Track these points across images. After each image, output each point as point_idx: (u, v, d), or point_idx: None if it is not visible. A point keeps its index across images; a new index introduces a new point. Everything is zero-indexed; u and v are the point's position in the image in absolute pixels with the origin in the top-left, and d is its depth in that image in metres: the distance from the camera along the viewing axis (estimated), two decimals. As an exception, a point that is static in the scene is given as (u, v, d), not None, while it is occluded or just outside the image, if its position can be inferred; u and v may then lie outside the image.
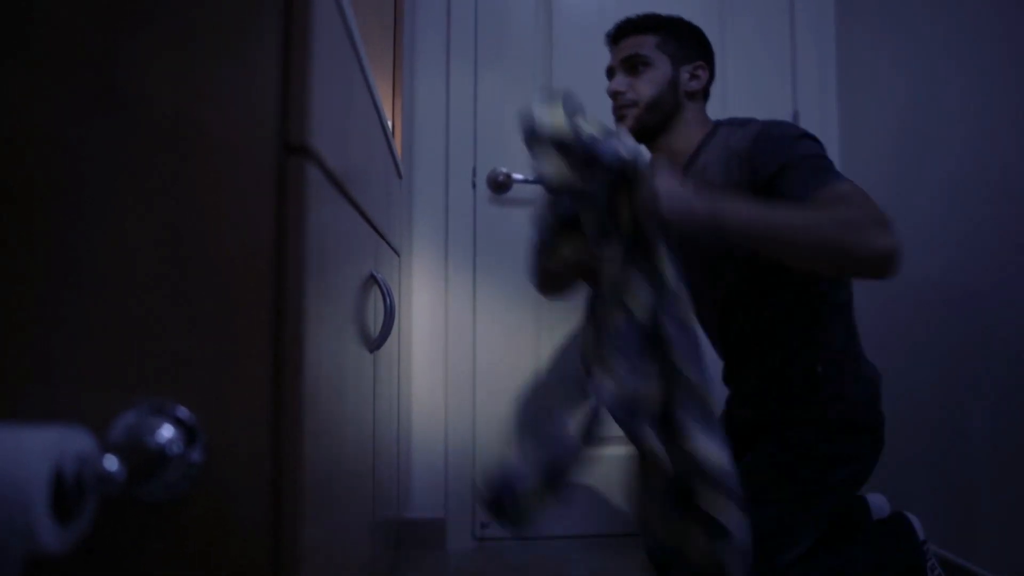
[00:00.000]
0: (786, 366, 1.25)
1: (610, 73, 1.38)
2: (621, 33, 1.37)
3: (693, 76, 1.33)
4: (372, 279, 0.88)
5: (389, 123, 1.66)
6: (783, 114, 1.99)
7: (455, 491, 1.81)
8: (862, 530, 1.35)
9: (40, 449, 0.37)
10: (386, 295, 0.89)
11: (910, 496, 1.62)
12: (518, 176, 1.83)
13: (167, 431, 0.46)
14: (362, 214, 0.81)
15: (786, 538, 1.15)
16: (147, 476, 0.43)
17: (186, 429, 0.47)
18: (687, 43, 1.34)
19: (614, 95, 1.33)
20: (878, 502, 1.46)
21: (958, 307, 1.50)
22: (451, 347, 1.83)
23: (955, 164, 1.52)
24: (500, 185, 1.84)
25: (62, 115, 0.44)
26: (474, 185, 1.86)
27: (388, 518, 1.17)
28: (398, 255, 1.41)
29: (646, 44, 1.32)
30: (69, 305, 0.45)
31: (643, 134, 1.33)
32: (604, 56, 1.92)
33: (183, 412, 0.46)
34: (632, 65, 1.32)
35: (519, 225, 1.87)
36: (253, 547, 0.47)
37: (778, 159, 1.12)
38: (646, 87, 1.31)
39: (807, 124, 1.97)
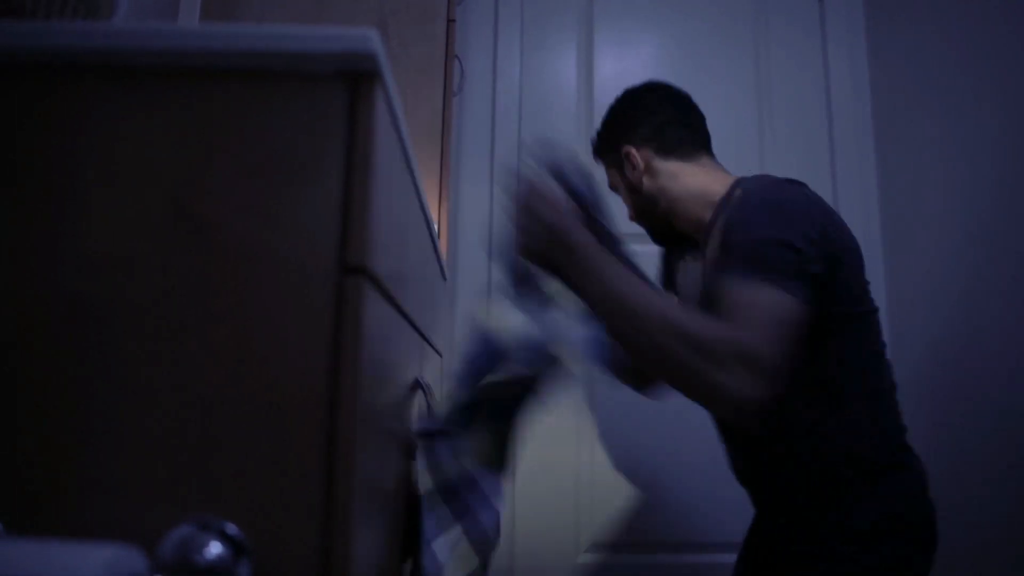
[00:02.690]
0: (803, 467, 1.05)
1: None
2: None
3: (631, 168, 1.21)
4: (417, 384, 0.88)
5: (435, 226, 1.71)
6: (825, 216, 2.00)
7: (492, 599, 1.76)
8: None
9: (92, 568, 0.37)
10: (429, 401, 0.89)
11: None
12: (560, 276, 1.85)
13: (216, 548, 0.46)
14: (410, 321, 0.82)
15: None
16: (195, 596, 0.43)
17: (234, 545, 0.46)
18: (610, 144, 1.26)
19: None
20: None
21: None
22: (491, 447, 1.81)
23: (1013, 257, 1.50)
24: (542, 286, 1.86)
25: (137, 237, 0.47)
26: (516, 285, 1.88)
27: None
28: (440, 355, 1.42)
29: (606, 172, 1.29)
30: (124, 419, 0.46)
31: (669, 238, 1.27)
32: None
33: (232, 528, 0.46)
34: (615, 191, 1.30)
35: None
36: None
37: (726, 237, 0.99)
38: (629, 210, 1.27)
39: (849, 223, 1.97)
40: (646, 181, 1.21)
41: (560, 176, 1.06)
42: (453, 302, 1.85)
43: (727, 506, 1.81)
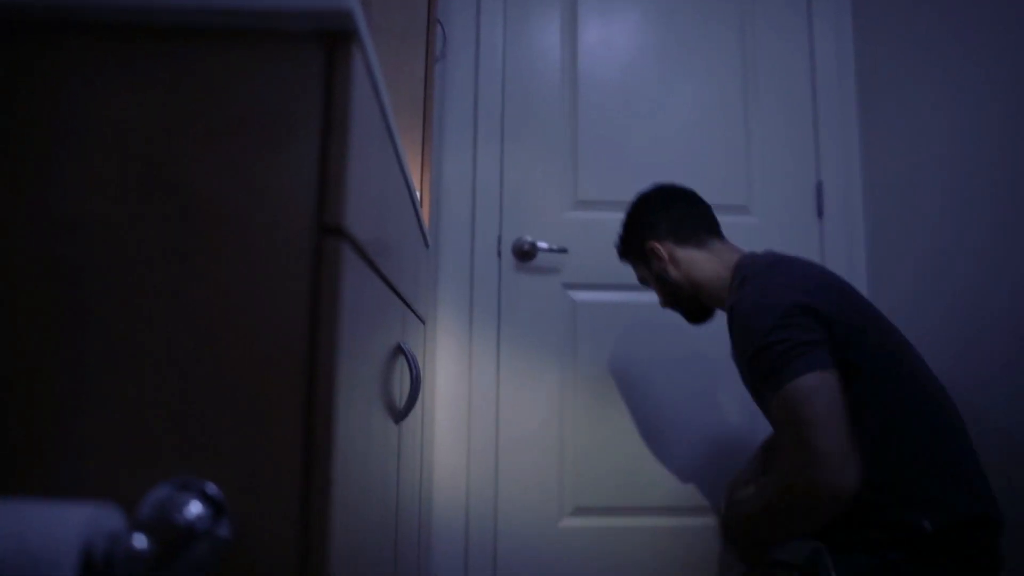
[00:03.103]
0: None
1: None
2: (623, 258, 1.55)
3: (657, 260, 1.41)
4: (399, 350, 0.88)
5: (418, 194, 1.70)
6: (806, 185, 2.00)
7: (475, 561, 1.78)
8: None
9: (71, 527, 0.37)
10: (412, 366, 0.89)
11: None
12: (543, 245, 1.85)
13: (195, 507, 0.46)
14: (391, 287, 0.82)
15: None
16: (175, 553, 0.43)
17: (214, 505, 0.47)
18: (635, 244, 1.46)
19: None
20: None
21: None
22: (474, 414, 1.82)
23: (988, 228, 1.51)
24: (525, 254, 1.86)
25: (111, 200, 0.46)
26: (499, 253, 1.88)
27: (408, 592, 1.15)
28: (423, 323, 1.42)
29: (634, 267, 1.51)
30: (102, 383, 0.46)
31: (702, 316, 1.46)
32: (628, 125, 1.96)
33: (211, 488, 0.47)
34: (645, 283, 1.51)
35: (543, 293, 1.88)
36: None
37: (747, 350, 1.15)
38: (660, 298, 1.47)
39: (831, 194, 1.98)
40: (671, 270, 1.40)
41: None
42: (436, 270, 1.85)
43: (710, 471, 1.84)
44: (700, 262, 1.37)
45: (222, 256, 0.47)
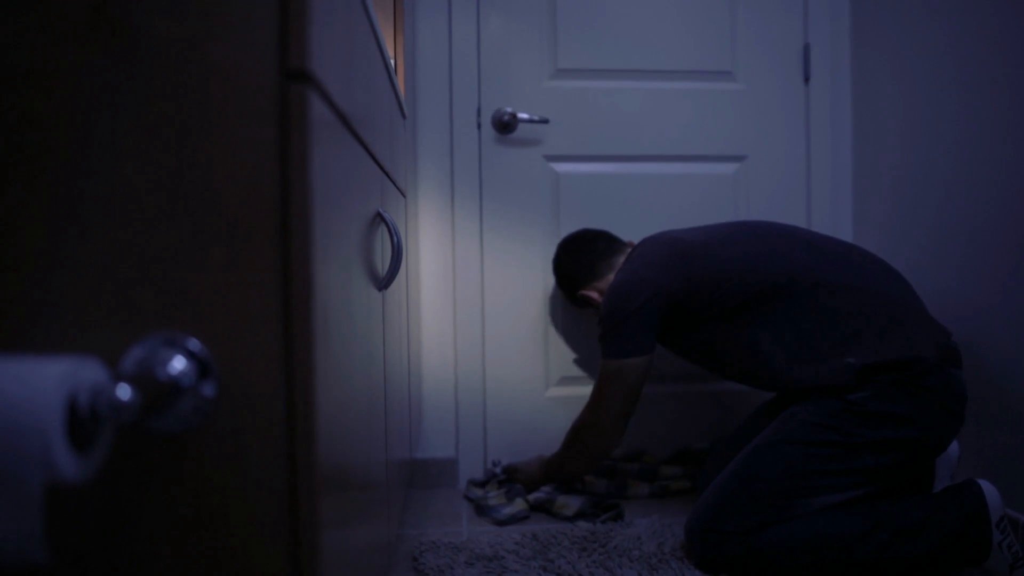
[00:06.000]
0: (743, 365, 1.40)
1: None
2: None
3: (589, 300, 1.66)
4: (379, 217, 0.87)
5: (392, 61, 1.63)
6: (793, 49, 1.94)
7: (465, 430, 1.84)
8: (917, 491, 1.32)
9: (54, 379, 0.37)
10: (393, 233, 0.88)
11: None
12: (523, 116, 1.80)
13: (179, 363, 0.46)
14: (367, 151, 0.80)
15: (801, 482, 1.22)
16: (160, 407, 0.43)
17: (198, 362, 0.47)
18: (572, 295, 1.71)
19: None
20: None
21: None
22: (459, 287, 1.83)
23: (979, 95, 1.49)
24: (505, 125, 1.81)
25: (59, 47, 0.43)
26: (479, 125, 1.84)
27: (400, 458, 1.18)
28: (404, 196, 1.40)
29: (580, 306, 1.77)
30: (75, 241, 0.44)
31: None
32: (610, -11, 1.86)
33: (195, 344, 0.46)
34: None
35: (525, 165, 1.86)
36: (267, 482, 0.47)
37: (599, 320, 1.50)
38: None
39: (818, 58, 1.93)
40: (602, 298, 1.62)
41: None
42: (415, 143, 1.81)
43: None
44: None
45: (182, 105, 0.44)
